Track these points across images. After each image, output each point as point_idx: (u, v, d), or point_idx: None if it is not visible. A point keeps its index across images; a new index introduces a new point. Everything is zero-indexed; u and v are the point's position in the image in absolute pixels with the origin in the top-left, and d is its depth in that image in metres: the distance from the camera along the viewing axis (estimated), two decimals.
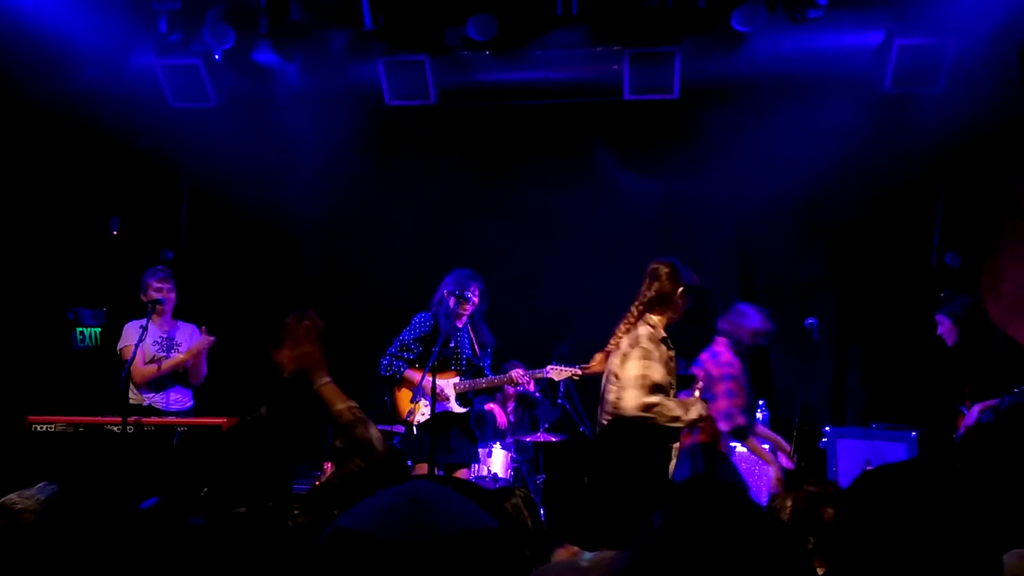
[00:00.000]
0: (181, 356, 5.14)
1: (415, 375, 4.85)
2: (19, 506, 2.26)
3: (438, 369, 4.69)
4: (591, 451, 2.07)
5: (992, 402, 4.63)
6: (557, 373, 4.89)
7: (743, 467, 5.59)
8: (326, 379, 2.11)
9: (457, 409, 4.90)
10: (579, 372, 4.82)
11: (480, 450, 5.42)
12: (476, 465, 5.44)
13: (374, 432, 2.04)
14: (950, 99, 5.46)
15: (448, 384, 4.89)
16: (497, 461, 5.59)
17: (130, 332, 5.11)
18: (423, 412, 4.79)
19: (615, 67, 5.81)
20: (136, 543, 1.06)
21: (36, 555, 1.02)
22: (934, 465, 1.38)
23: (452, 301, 4.84)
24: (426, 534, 0.92)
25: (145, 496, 1.64)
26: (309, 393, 2.09)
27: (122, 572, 1.03)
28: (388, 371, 5.00)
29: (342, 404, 2.09)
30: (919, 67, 5.40)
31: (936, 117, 5.51)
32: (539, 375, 4.95)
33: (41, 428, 4.65)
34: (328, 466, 5.29)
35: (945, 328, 5.01)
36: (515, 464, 5.79)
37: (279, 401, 2.03)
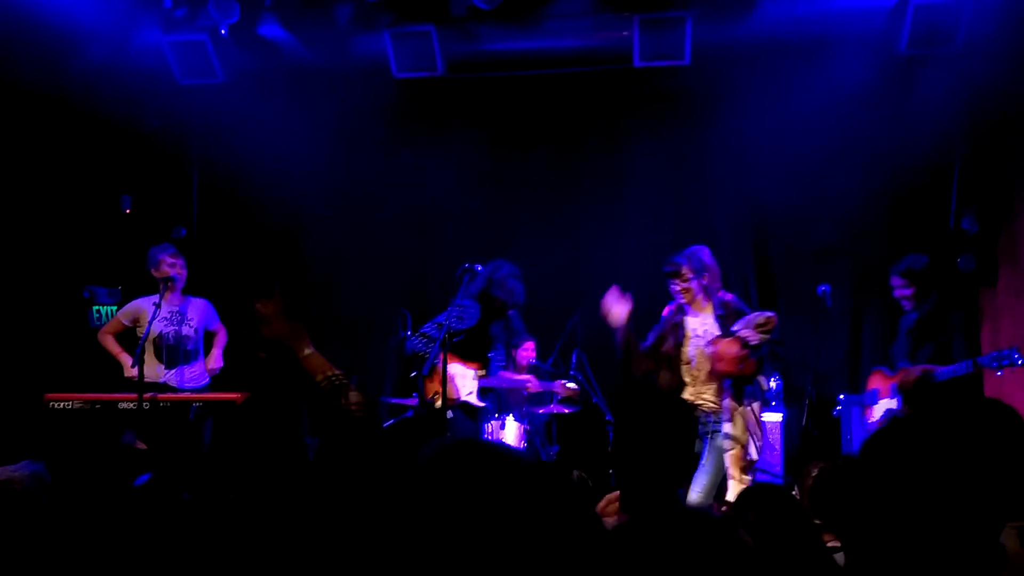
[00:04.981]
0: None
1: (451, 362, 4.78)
2: (4, 477, 2.29)
3: (465, 357, 4.66)
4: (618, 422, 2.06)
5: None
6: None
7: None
8: (308, 351, 2.09)
9: (476, 403, 4.78)
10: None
11: (493, 422, 5.43)
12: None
13: (353, 397, 2.01)
14: (967, 60, 5.34)
15: (468, 374, 4.78)
16: (510, 433, 5.59)
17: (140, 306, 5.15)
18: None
19: (625, 33, 5.74)
20: (130, 519, 1.07)
21: (31, 527, 1.03)
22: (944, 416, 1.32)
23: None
24: None
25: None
26: (296, 367, 2.07)
27: (117, 548, 1.04)
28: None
29: (321, 375, 2.06)
30: (935, 27, 5.29)
31: (953, 78, 5.41)
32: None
33: (59, 406, 4.71)
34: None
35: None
36: (528, 436, 5.79)
37: (267, 379, 2.02)
